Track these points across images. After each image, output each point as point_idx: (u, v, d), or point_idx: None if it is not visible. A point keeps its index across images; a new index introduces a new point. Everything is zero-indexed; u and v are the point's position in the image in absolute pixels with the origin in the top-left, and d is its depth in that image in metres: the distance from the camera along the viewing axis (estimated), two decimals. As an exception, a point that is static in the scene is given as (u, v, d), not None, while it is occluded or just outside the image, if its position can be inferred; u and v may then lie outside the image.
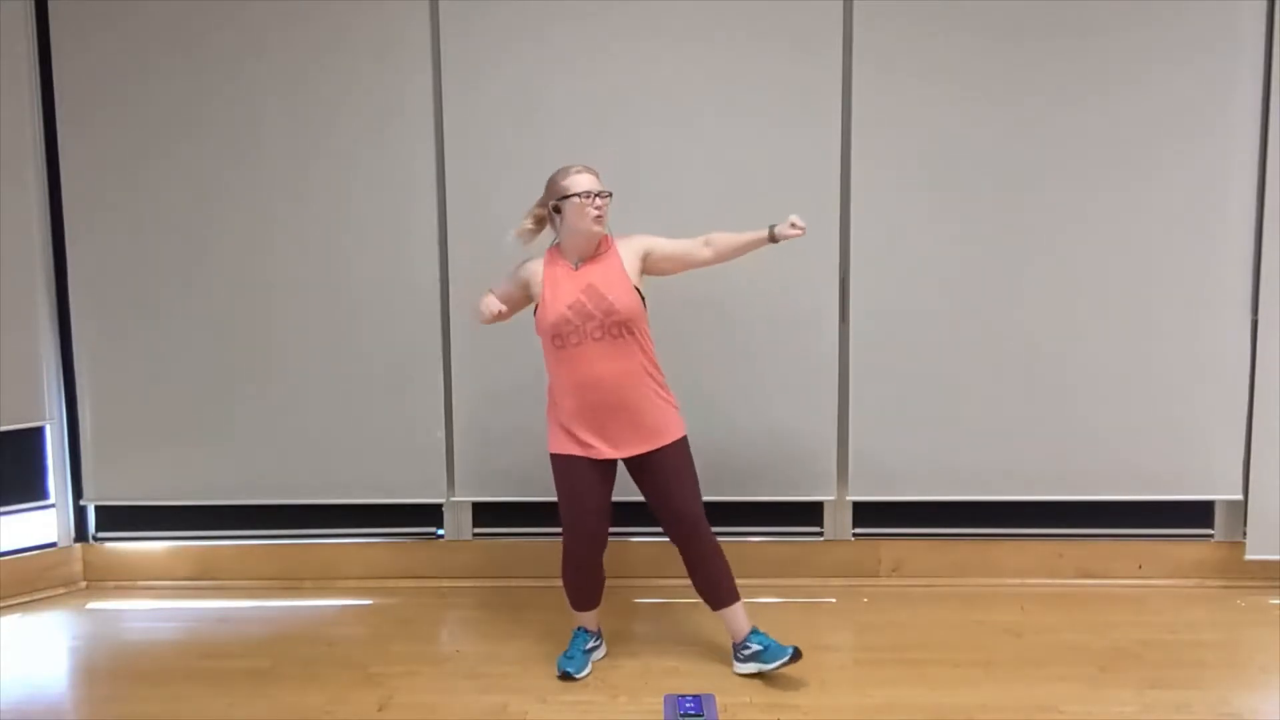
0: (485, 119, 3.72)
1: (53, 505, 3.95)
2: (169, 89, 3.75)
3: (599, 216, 2.98)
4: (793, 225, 2.93)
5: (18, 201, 3.76)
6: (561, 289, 2.99)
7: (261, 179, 3.78)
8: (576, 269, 3.02)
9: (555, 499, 3.74)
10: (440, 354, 3.82)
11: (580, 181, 2.99)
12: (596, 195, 2.98)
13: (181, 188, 3.79)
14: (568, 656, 3.17)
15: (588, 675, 3.15)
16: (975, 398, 3.77)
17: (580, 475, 3.05)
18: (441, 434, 3.86)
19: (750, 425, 3.77)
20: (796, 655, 3.02)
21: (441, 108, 3.72)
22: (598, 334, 2.96)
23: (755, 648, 3.08)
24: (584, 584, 3.18)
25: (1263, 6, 3.59)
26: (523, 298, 3.12)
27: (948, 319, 3.75)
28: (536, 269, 3.08)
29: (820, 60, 3.66)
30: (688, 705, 2.92)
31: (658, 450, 3.03)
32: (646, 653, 3.31)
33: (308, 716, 2.94)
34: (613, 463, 3.08)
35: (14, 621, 3.69)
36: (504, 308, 3.05)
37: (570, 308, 2.96)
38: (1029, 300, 3.74)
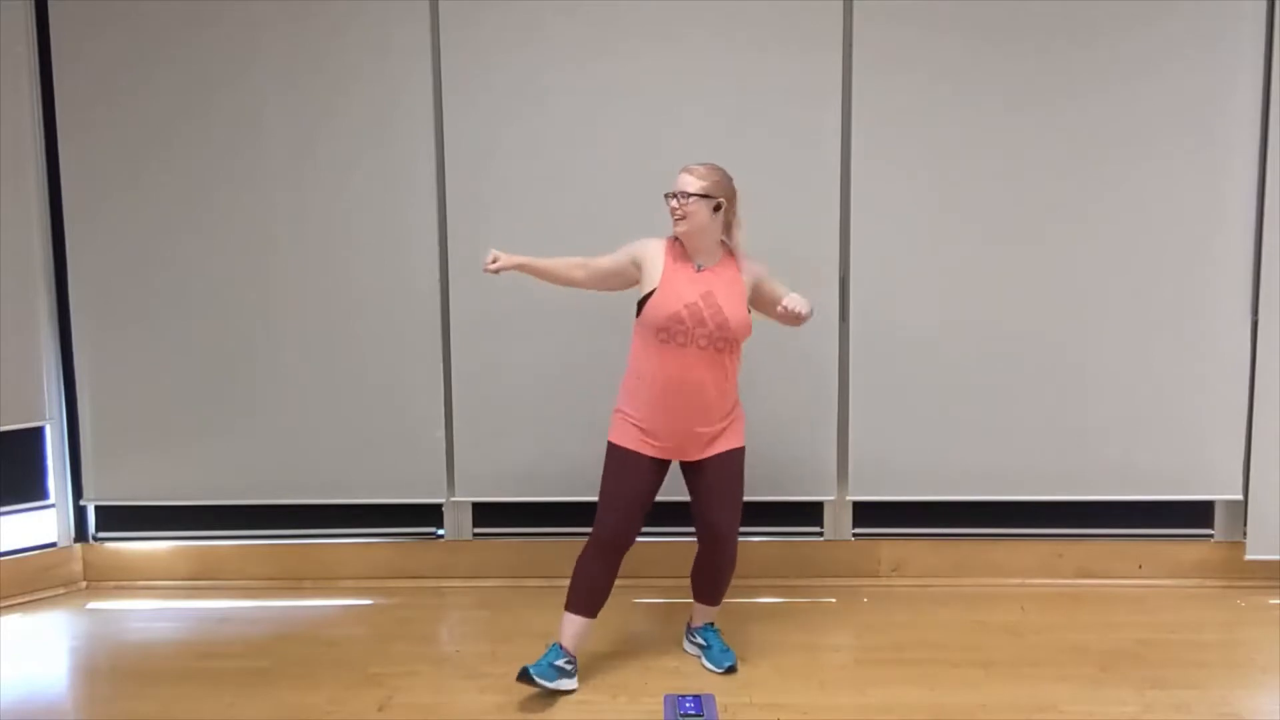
0: (485, 119, 3.72)
1: (53, 505, 3.94)
2: (169, 89, 3.74)
3: (671, 216, 2.96)
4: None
5: (18, 201, 3.76)
6: (682, 287, 2.94)
7: (261, 179, 3.78)
8: (699, 271, 2.97)
9: (555, 499, 3.79)
10: (440, 354, 3.82)
11: (676, 182, 2.98)
12: (672, 196, 2.96)
13: (181, 188, 3.78)
14: (537, 663, 3.01)
15: (554, 687, 2.97)
16: (975, 398, 3.78)
17: (633, 467, 3.02)
18: (441, 434, 3.85)
19: (750, 425, 3.75)
20: (730, 670, 3.15)
21: (441, 108, 3.72)
22: (703, 342, 2.93)
23: (702, 642, 3.26)
24: (596, 576, 3.02)
25: (1263, 6, 3.60)
26: (628, 274, 3.05)
27: (948, 319, 3.75)
28: (656, 254, 3.00)
29: (820, 60, 3.66)
30: (688, 705, 2.92)
31: (714, 455, 3.05)
32: (646, 653, 3.31)
33: (308, 716, 2.94)
34: (667, 463, 3.08)
35: (14, 621, 3.68)
36: (502, 263, 2.98)
37: (687, 309, 2.91)
38: (1029, 300, 3.74)
